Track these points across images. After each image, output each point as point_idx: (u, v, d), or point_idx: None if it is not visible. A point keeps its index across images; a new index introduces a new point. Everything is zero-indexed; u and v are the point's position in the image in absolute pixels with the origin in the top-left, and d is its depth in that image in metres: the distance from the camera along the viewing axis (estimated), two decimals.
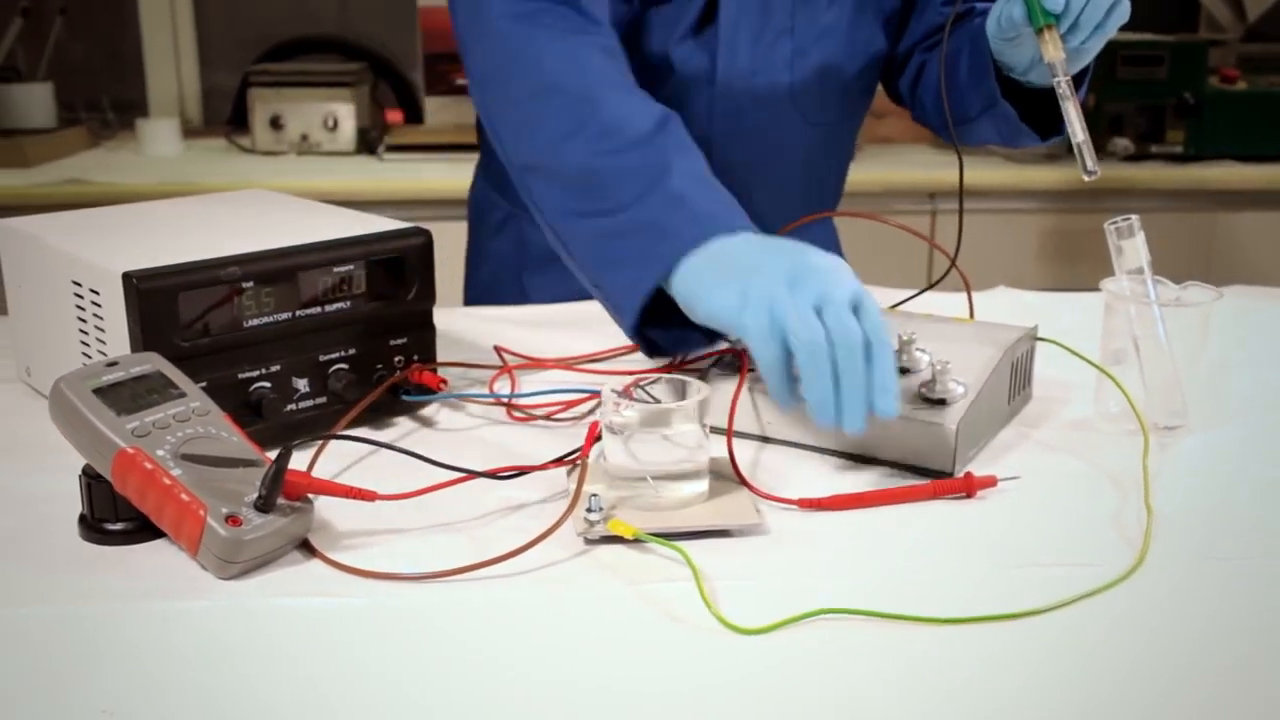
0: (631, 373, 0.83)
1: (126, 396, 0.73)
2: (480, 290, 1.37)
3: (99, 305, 0.84)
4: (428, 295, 0.93)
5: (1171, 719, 0.57)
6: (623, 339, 0.94)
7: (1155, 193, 2.39)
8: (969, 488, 0.79)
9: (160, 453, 0.70)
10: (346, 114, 2.49)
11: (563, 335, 1.10)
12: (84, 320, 0.87)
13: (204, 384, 0.80)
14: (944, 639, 0.63)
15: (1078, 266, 2.40)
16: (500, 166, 1.32)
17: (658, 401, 0.78)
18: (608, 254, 0.89)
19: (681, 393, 0.77)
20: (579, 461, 0.78)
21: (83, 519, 0.73)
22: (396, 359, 0.92)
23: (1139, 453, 0.84)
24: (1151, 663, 0.61)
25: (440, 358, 0.96)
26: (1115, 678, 0.60)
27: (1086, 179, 0.91)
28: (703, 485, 0.77)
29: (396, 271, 0.91)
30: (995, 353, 0.88)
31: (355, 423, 0.88)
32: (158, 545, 0.72)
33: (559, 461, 0.81)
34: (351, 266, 0.88)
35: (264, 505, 0.69)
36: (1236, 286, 1.30)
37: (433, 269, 0.93)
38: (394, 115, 2.79)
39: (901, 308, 1.06)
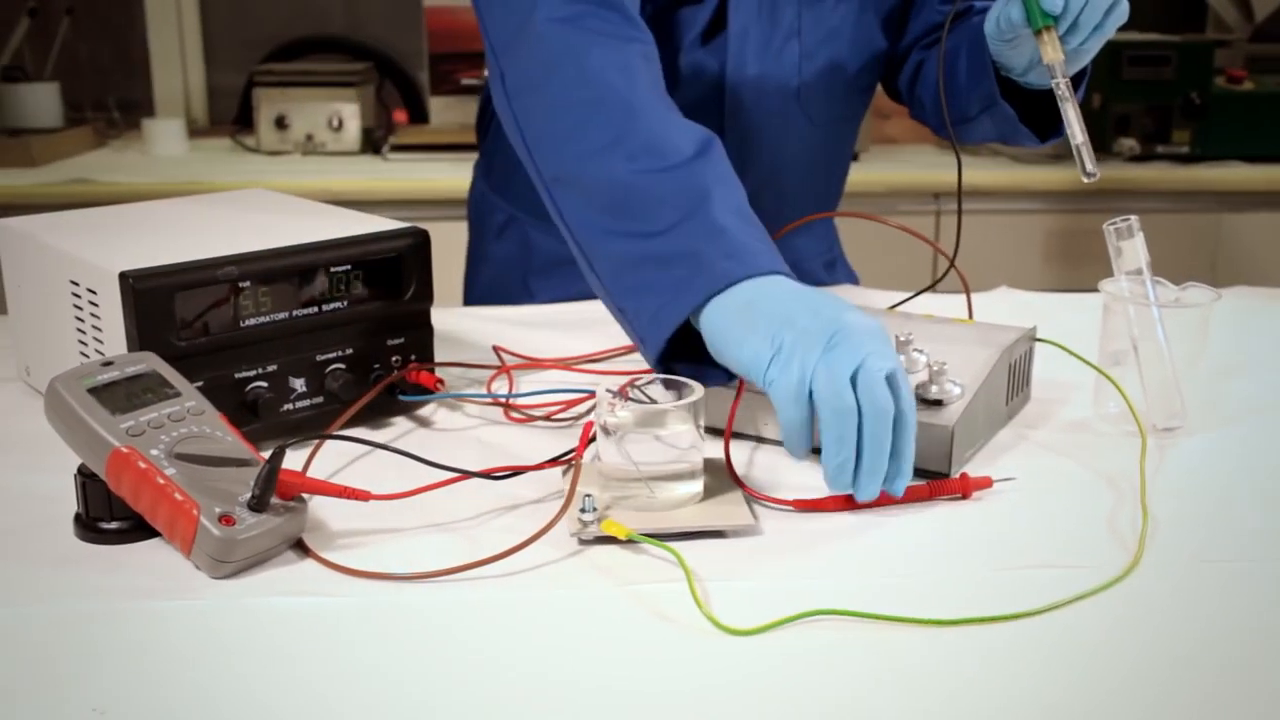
0: (630, 373, 0.83)
1: (121, 396, 0.73)
2: (481, 293, 1.37)
3: (96, 305, 0.84)
4: (425, 295, 0.93)
5: None
6: (623, 339, 0.94)
7: (1161, 193, 2.38)
8: (965, 489, 0.79)
9: (154, 452, 0.70)
10: (351, 114, 2.49)
11: (562, 335, 1.10)
12: (82, 320, 0.87)
13: (201, 383, 0.80)
14: (938, 640, 0.63)
15: (1083, 267, 2.39)
16: (501, 168, 1.33)
17: (653, 402, 0.78)
18: (638, 279, 0.84)
19: (677, 393, 0.77)
20: (573, 462, 0.78)
21: (78, 518, 0.74)
22: (394, 359, 0.93)
23: (1137, 454, 0.84)
24: (1147, 665, 0.61)
25: (439, 357, 0.96)
26: (1111, 680, 0.60)
27: (1086, 180, 0.91)
28: (697, 486, 0.77)
29: (394, 271, 0.91)
30: (993, 353, 0.88)
31: (353, 422, 0.88)
32: (152, 544, 0.72)
33: (553, 462, 0.81)
34: (349, 266, 0.89)
35: (257, 505, 0.69)
36: (1238, 288, 1.30)
37: (430, 269, 0.93)
38: (399, 115, 2.79)
39: (901, 308, 1.06)
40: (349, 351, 0.90)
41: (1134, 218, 0.89)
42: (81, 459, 0.72)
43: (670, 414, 0.75)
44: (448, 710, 0.57)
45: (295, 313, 0.86)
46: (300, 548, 0.72)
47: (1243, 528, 0.76)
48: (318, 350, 0.88)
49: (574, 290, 1.20)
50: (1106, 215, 0.92)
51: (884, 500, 0.78)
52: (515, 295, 1.31)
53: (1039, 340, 0.95)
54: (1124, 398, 0.88)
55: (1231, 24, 2.82)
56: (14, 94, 2.53)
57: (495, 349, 1.05)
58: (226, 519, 0.68)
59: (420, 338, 0.94)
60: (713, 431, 0.84)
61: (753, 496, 0.78)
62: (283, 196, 1.08)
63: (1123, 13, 0.95)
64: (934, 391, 0.83)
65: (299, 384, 0.88)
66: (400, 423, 0.93)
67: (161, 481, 0.69)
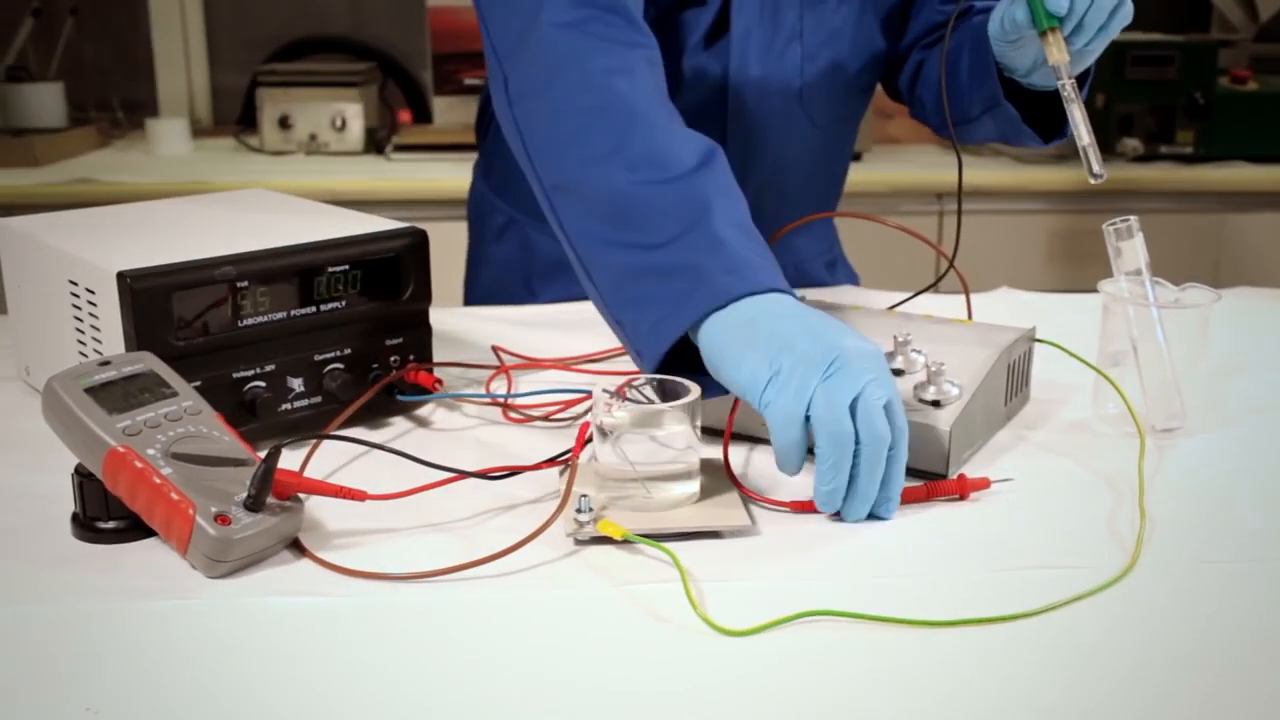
0: (628, 373, 0.83)
1: (118, 395, 0.73)
2: (481, 295, 1.37)
3: (95, 305, 0.84)
4: (423, 295, 0.93)
5: None
6: None
7: (1164, 193, 2.38)
8: (962, 490, 0.79)
9: (151, 452, 0.70)
10: (355, 114, 2.49)
11: (561, 335, 1.10)
12: (80, 319, 0.87)
13: (199, 383, 0.80)
14: (935, 641, 0.63)
15: (1085, 268, 2.39)
16: (502, 169, 1.33)
17: (650, 402, 0.78)
18: (638, 290, 0.83)
19: (673, 394, 0.77)
20: (570, 462, 0.78)
21: (75, 517, 0.74)
22: (392, 359, 0.93)
23: (1136, 455, 0.83)
24: (1146, 665, 0.61)
25: (438, 357, 0.96)
26: (1109, 680, 0.59)
27: (1093, 182, 0.90)
28: (693, 486, 0.77)
29: (392, 271, 0.91)
30: (991, 354, 0.87)
31: (351, 422, 0.88)
32: (149, 544, 0.72)
33: (550, 462, 0.81)
34: (347, 266, 0.89)
35: (253, 504, 0.69)
36: (1240, 288, 1.29)
37: (428, 269, 0.93)
38: (403, 115, 2.79)
39: (900, 308, 1.06)
40: (347, 351, 0.90)
41: (1133, 218, 0.89)
42: (79, 458, 0.72)
43: (667, 414, 0.75)
44: (444, 710, 0.57)
45: (293, 312, 0.86)
46: (296, 547, 0.72)
47: (1242, 528, 0.76)
48: (316, 350, 0.88)
49: (577, 293, 1.20)
50: (1109, 215, 0.91)
51: None
52: (516, 298, 1.31)
53: (1038, 341, 0.95)
54: (1123, 398, 0.88)
55: (1236, 24, 2.81)
56: (18, 94, 2.53)
57: (494, 349, 1.05)
58: (222, 518, 0.68)
59: (418, 337, 0.94)
60: (710, 433, 0.84)
61: (749, 497, 0.78)
62: (281, 196, 1.08)
63: (1127, 13, 0.95)
64: (931, 392, 0.83)
65: (297, 384, 0.88)
66: (398, 422, 0.93)
67: (158, 481, 0.69)
